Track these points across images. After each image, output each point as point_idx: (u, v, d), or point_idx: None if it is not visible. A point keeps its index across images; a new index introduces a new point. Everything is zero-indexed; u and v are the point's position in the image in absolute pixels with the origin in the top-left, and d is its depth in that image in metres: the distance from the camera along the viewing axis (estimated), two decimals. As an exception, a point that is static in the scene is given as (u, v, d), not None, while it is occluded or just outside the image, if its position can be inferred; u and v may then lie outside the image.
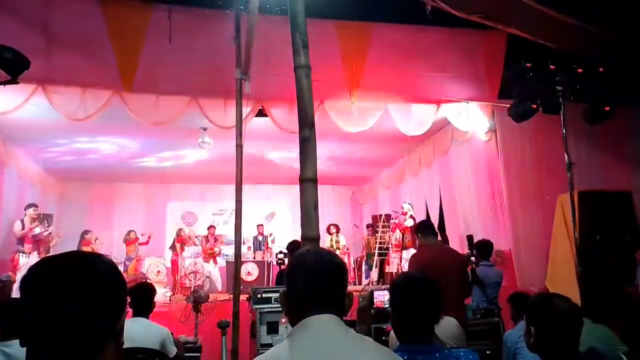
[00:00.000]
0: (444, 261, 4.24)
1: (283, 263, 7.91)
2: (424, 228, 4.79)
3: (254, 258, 11.59)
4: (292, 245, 6.46)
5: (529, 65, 5.73)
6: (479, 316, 5.39)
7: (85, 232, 11.15)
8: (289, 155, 10.52)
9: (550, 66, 5.75)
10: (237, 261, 5.60)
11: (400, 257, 10.46)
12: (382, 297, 5.21)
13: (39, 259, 1.10)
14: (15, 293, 7.91)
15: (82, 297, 0.98)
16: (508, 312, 5.61)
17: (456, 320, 3.11)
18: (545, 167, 8.08)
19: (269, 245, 12.18)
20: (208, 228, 12.24)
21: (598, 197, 6.99)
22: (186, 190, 14.35)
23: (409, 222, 10.62)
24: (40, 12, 6.95)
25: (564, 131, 5.61)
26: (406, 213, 10.78)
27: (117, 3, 7.24)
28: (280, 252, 8.63)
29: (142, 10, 7.31)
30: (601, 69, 5.92)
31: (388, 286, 6.20)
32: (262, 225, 12.63)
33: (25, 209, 9.24)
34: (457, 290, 4.12)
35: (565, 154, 5.56)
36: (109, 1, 7.20)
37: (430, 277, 2.17)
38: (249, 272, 10.66)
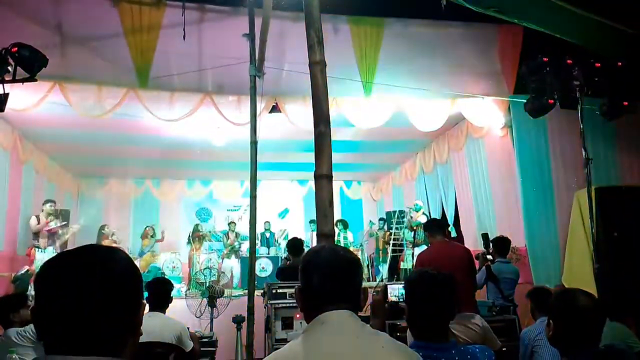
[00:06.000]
0: (448, 257, 4.23)
1: (289, 260, 7.88)
2: (431, 226, 4.83)
3: (268, 254, 11.63)
4: (292, 243, 6.45)
5: (545, 59, 5.66)
6: (494, 313, 5.35)
7: (103, 226, 11.26)
8: (303, 151, 10.53)
9: (567, 60, 5.67)
10: (252, 257, 5.62)
11: (413, 254, 10.45)
12: (395, 292, 5.21)
13: (54, 254, 1.08)
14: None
15: (96, 291, 0.98)
16: (523, 309, 5.58)
17: (480, 317, 3.11)
18: (562, 162, 7.99)
19: (277, 242, 12.22)
20: (229, 224, 12.30)
21: (616, 193, 6.90)
22: (200, 187, 14.44)
23: (422, 219, 10.58)
24: (55, 10, 7.02)
25: (582, 126, 5.54)
26: (419, 210, 10.75)
27: (132, 0, 7.29)
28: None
29: (156, 7, 7.35)
30: (620, 63, 5.83)
31: (402, 282, 6.20)
32: (268, 222, 12.66)
33: (42, 204, 9.37)
34: (463, 285, 4.09)
35: (583, 150, 5.49)
36: (124, -1, 7.26)
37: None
38: (263, 267, 10.70)
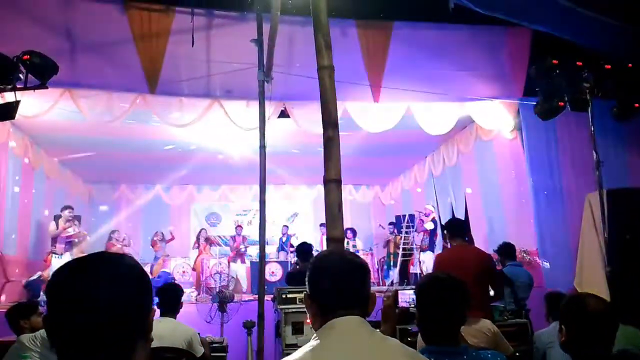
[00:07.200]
0: (461, 259, 4.18)
1: (298, 264, 7.89)
2: (450, 227, 4.76)
3: (278, 258, 11.62)
4: (301, 248, 6.45)
5: (555, 61, 5.63)
6: (506, 317, 5.32)
7: (113, 232, 11.31)
8: (311, 155, 10.53)
9: (577, 62, 5.64)
10: (262, 262, 5.63)
11: (419, 259, 10.46)
12: (406, 298, 5.19)
13: (64, 262, 1.09)
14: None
15: (107, 297, 0.98)
16: (536, 313, 5.54)
17: (491, 322, 3.08)
18: (573, 165, 7.93)
19: (292, 245, 12.20)
20: (236, 227, 12.31)
21: (627, 195, 6.82)
22: (210, 191, 14.49)
23: (429, 225, 10.54)
24: (65, 17, 7.09)
25: (592, 129, 5.50)
26: (429, 214, 10.70)
27: (141, 7, 7.36)
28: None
29: (165, 13, 7.41)
30: (630, 65, 5.79)
31: (413, 287, 6.18)
32: (286, 226, 12.67)
33: (61, 210, 9.42)
34: (476, 292, 4.04)
35: (594, 152, 5.45)
36: (133, 5, 7.32)
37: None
38: (273, 272, 10.70)
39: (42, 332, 3.71)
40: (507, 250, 6.16)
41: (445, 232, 4.77)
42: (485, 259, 4.44)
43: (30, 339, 3.70)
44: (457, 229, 4.64)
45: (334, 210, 2.97)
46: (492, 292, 4.35)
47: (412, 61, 7.98)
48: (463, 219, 10.49)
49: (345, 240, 11.40)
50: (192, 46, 7.13)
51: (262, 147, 5.74)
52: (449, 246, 5.02)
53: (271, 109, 7.45)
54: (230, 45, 7.37)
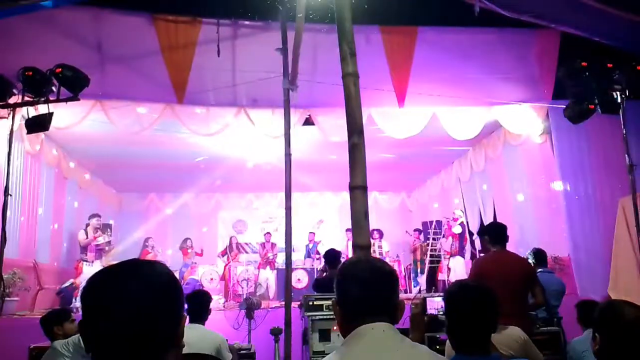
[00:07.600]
0: (506, 265, 4.12)
1: (326, 271, 7.86)
2: (489, 232, 4.64)
3: (304, 265, 11.61)
4: (330, 254, 6.43)
5: (584, 64, 5.52)
6: (538, 326, 5.20)
7: (147, 239, 11.46)
8: (336, 162, 10.53)
9: (608, 64, 5.52)
10: (288, 269, 5.64)
11: (447, 265, 10.34)
12: (435, 305, 5.12)
13: (97, 270, 1.10)
14: (78, 301, 8.27)
15: (140, 305, 0.99)
16: (568, 321, 5.40)
17: (521, 330, 3.02)
18: (605, 169, 7.74)
19: (319, 252, 12.18)
20: (264, 235, 12.36)
21: (663, 199, 6.63)
22: (236, 199, 14.60)
23: (457, 229, 10.40)
24: (95, 31, 7.28)
25: (624, 131, 5.37)
26: (457, 219, 10.56)
27: (168, 19, 7.50)
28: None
29: (191, 25, 7.53)
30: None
31: (441, 294, 6.10)
32: (313, 233, 12.68)
33: (89, 219, 9.61)
34: (516, 299, 3.97)
35: (626, 155, 5.32)
36: (160, 18, 7.47)
37: (487, 284, 2.12)
38: (299, 279, 10.70)
39: (74, 338, 3.80)
40: (538, 256, 6.03)
41: (486, 236, 4.65)
42: (528, 266, 4.41)
43: (63, 345, 3.79)
44: (499, 234, 4.52)
45: (360, 217, 2.96)
46: (531, 300, 4.28)
47: (437, 65, 7.93)
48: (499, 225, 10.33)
49: (372, 241, 11.34)
50: (218, 56, 7.23)
51: (288, 154, 5.77)
52: (478, 254, 4.94)
53: (296, 116, 7.49)
54: (256, 54, 7.45)
